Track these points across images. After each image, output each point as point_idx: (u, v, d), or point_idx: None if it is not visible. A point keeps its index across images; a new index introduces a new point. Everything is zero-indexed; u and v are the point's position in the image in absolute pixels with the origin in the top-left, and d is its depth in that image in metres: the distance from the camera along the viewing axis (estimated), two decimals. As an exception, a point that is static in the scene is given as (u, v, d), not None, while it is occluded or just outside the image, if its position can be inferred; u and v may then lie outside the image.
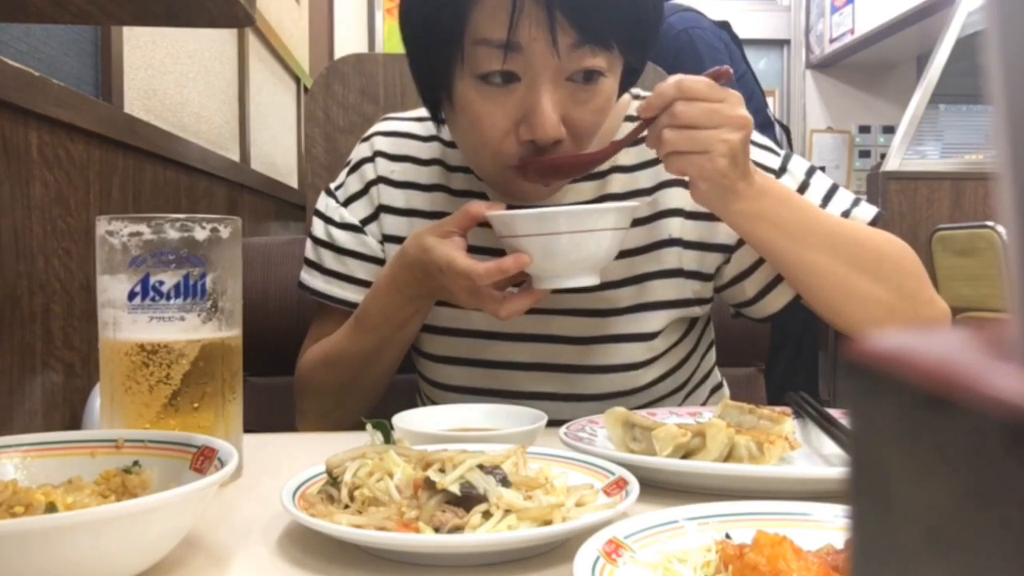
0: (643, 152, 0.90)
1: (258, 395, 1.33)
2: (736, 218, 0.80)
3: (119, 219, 0.61)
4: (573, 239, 0.75)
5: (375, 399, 0.95)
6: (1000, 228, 2.31)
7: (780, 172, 0.92)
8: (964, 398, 0.11)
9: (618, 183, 0.92)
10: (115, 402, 0.63)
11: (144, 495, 0.51)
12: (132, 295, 0.61)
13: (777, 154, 0.94)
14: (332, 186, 1.00)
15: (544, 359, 0.93)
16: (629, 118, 0.94)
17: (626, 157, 0.92)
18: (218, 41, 1.84)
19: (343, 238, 0.95)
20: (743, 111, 0.76)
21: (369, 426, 0.61)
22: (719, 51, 2.07)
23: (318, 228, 0.97)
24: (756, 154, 0.89)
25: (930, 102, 3.65)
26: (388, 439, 0.61)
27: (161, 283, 0.61)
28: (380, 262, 0.95)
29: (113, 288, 0.62)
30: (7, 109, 0.88)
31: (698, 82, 0.75)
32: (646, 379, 0.93)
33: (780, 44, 5.81)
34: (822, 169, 0.94)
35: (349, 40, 3.59)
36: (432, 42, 0.80)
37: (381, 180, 0.96)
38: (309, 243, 0.98)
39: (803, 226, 0.80)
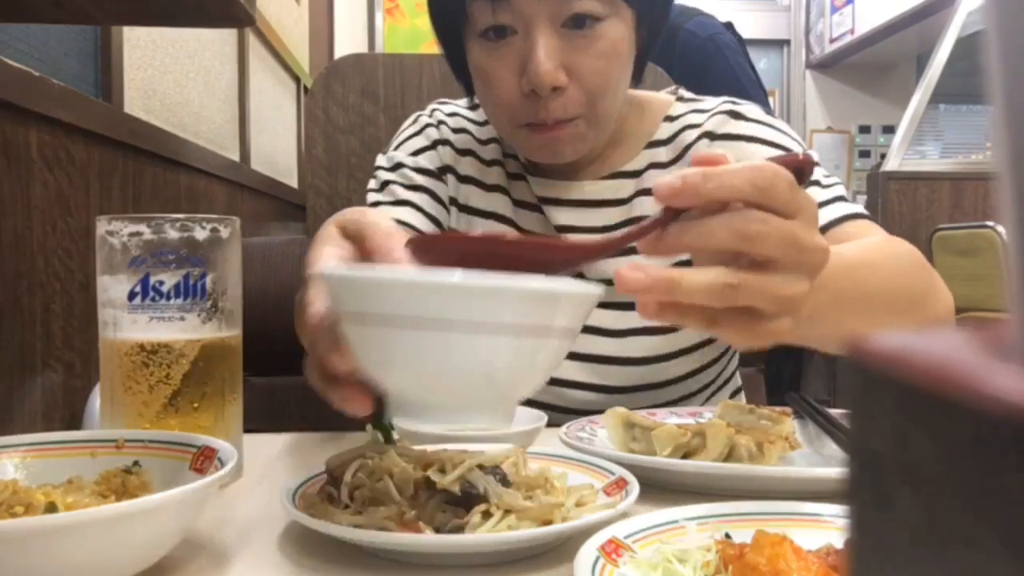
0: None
1: (258, 395, 1.33)
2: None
3: (119, 219, 0.61)
4: (443, 341, 0.40)
5: None
6: (1000, 228, 2.31)
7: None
8: (964, 398, 0.11)
9: (645, 205, 0.90)
10: (115, 402, 0.63)
11: (144, 495, 0.51)
12: (132, 295, 0.61)
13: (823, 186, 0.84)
14: (390, 150, 1.00)
15: (578, 349, 0.93)
16: (668, 119, 0.94)
17: (665, 154, 0.91)
18: (218, 41, 1.84)
19: (420, 179, 0.95)
20: (819, 237, 0.47)
21: (369, 426, 0.61)
22: (745, 61, 2.05)
23: (386, 174, 0.96)
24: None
25: (930, 102, 3.65)
26: (388, 439, 0.61)
27: (161, 283, 0.61)
28: (447, 211, 0.95)
29: (113, 288, 0.62)
30: (7, 109, 0.88)
31: (779, 178, 0.45)
32: (675, 373, 0.94)
33: (780, 44, 5.81)
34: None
35: (349, 40, 3.59)
36: (442, 7, 0.84)
37: (445, 143, 0.98)
38: (379, 184, 0.96)
39: (842, 308, 0.59)
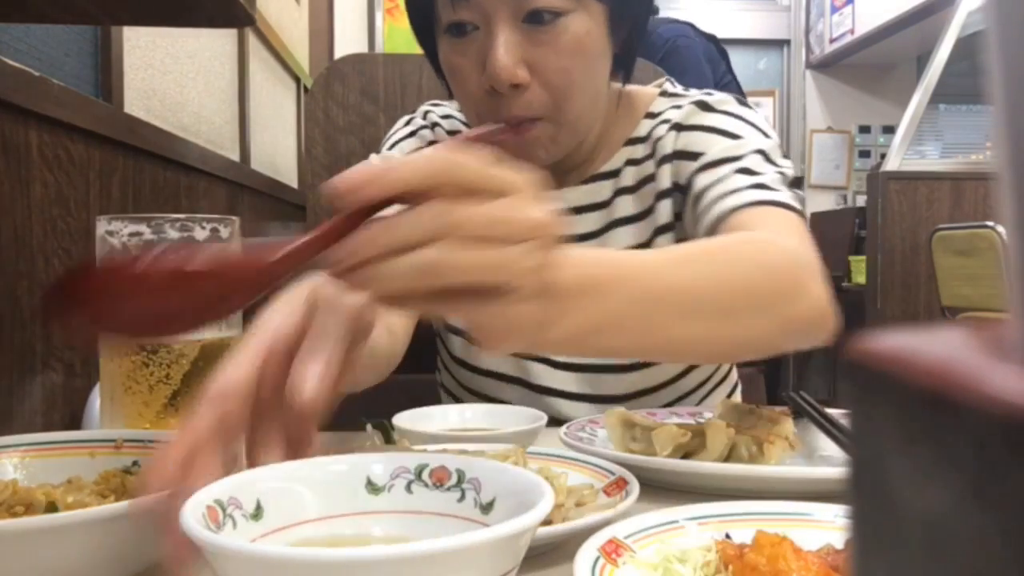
0: (642, 170, 0.89)
1: (258, 395, 1.33)
2: (556, 349, 0.60)
3: (119, 219, 0.61)
4: None
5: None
6: (1000, 228, 2.31)
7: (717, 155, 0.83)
8: (964, 398, 0.11)
9: (624, 205, 0.90)
10: (115, 402, 0.63)
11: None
12: (132, 295, 0.61)
13: (737, 136, 0.84)
14: (384, 149, 1.01)
15: (570, 359, 0.93)
16: (650, 115, 0.92)
17: (641, 151, 0.90)
18: (218, 41, 1.84)
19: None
20: (534, 210, 0.43)
21: (369, 426, 0.61)
22: (702, 62, 2.15)
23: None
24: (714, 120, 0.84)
25: (930, 102, 3.65)
26: (388, 439, 0.61)
27: (161, 283, 0.61)
28: None
29: (113, 288, 0.61)
30: (7, 109, 0.88)
31: (456, 163, 0.42)
32: (668, 375, 0.93)
33: (780, 44, 5.81)
34: (799, 180, 0.88)
35: (349, 40, 3.59)
36: (414, 4, 0.83)
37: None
38: None
39: (652, 311, 0.55)
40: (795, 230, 0.73)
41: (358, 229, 0.41)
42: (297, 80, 2.77)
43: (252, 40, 2.13)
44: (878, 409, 0.13)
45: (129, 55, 1.31)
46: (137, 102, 1.35)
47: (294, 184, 2.65)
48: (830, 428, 0.72)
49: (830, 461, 0.70)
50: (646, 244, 0.89)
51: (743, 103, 0.91)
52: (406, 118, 1.02)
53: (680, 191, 0.86)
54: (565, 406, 0.93)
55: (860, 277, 3.90)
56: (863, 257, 3.75)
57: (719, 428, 0.65)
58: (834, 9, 5.34)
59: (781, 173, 0.81)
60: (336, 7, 3.33)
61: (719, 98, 0.89)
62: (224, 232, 0.64)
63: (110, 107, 1.21)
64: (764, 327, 0.62)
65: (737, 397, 1.07)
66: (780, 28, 5.78)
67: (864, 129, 5.71)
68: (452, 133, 0.98)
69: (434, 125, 0.99)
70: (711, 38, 2.26)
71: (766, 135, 0.86)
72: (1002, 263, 2.58)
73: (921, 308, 3.28)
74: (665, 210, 0.88)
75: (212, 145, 1.74)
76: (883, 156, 3.78)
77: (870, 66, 5.49)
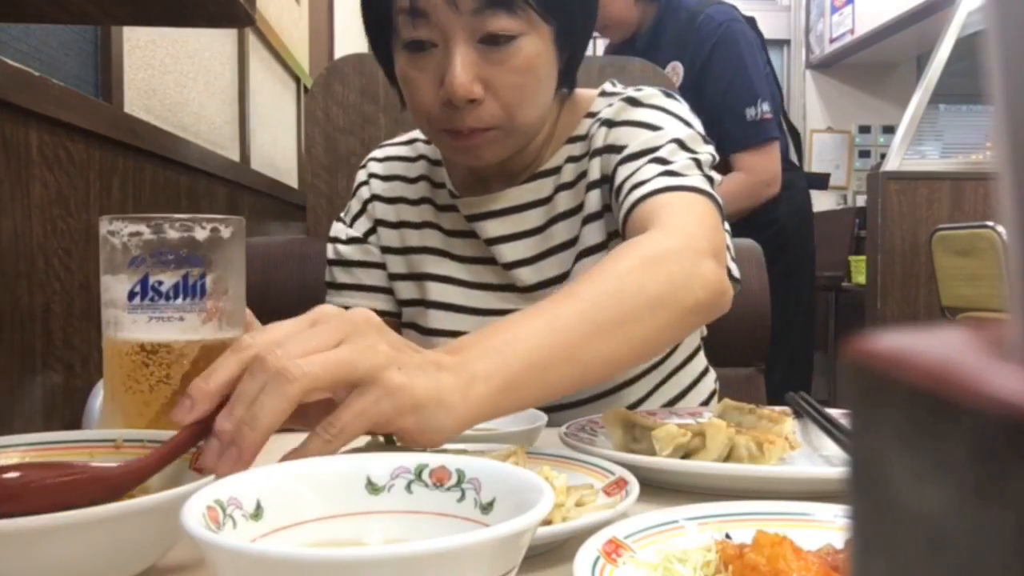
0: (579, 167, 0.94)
1: (258, 395, 1.33)
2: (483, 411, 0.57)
3: (120, 219, 0.61)
4: None
5: None
6: (1000, 228, 2.31)
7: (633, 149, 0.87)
8: (964, 398, 0.11)
9: (564, 200, 0.95)
10: (116, 401, 0.63)
11: (144, 495, 0.51)
12: (132, 295, 0.61)
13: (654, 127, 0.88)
14: (341, 214, 1.09)
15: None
16: (589, 115, 0.96)
17: (579, 148, 0.95)
18: (218, 41, 1.84)
19: (348, 251, 1.03)
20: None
21: (369, 426, 0.61)
22: (756, 48, 2.11)
23: (329, 251, 1.05)
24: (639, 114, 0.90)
25: (930, 102, 3.64)
26: (388, 439, 0.61)
27: (160, 283, 0.61)
28: (383, 267, 1.03)
29: (114, 288, 0.62)
30: (7, 109, 0.88)
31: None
32: (626, 376, 0.94)
33: (780, 44, 5.81)
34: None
35: (349, 40, 3.59)
36: (372, 16, 0.87)
37: (375, 198, 1.04)
38: (327, 269, 1.05)
39: (550, 353, 0.58)
40: (695, 212, 0.78)
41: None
42: (297, 80, 2.77)
43: (252, 40, 2.13)
44: (878, 409, 0.13)
45: (129, 55, 1.31)
46: (137, 102, 1.35)
47: (294, 184, 2.65)
48: (830, 428, 0.72)
49: (830, 461, 0.70)
50: (576, 236, 0.93)
51: (670, 95, 0.95)
52: (357, 181, 1.08)
53: (607, 183, 0.91)
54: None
55: (860, 277, 3.91)
56: (863, 257, 3.75)
57: (719, 428, 0.65)
58: (834, 9, 5.34)
59: (695, 159, 0.85)
60: (336, 7, 3.34)
61: (647, 92, 0.94)
62: (225, 232, 0.63)
63: (110, 107, 1.21)
64: (666, 318, 0.66)
65: (714, 403, 1.06)
66: (780, 28, 5.78)
67: (864, 129, 5.71)
68: (387, 179, 1.05)
69: (371, 176, 1.06)
70: (750, 20, 2.21)
71: (688, 124, 0.90)
72: (1002, 263, 2.58)
73: (921, 308, 3.28)
74: (594, 200, 0.92)
75: (212, 145, 1.74)
76: (883, 156, 3.78)
77: (870, 66, 5.49)
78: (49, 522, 0.40)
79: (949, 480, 0.11)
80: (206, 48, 1.75)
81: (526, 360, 0.56)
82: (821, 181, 3.01)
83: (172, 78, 1.53)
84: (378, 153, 1.08)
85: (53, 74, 1.02)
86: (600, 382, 0.80)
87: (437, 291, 0.98)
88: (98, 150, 1.10)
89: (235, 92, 1.99)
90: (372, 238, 1.03)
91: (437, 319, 0.98)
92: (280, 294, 1.29)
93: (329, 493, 0.43)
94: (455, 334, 0.96)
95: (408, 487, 0.44)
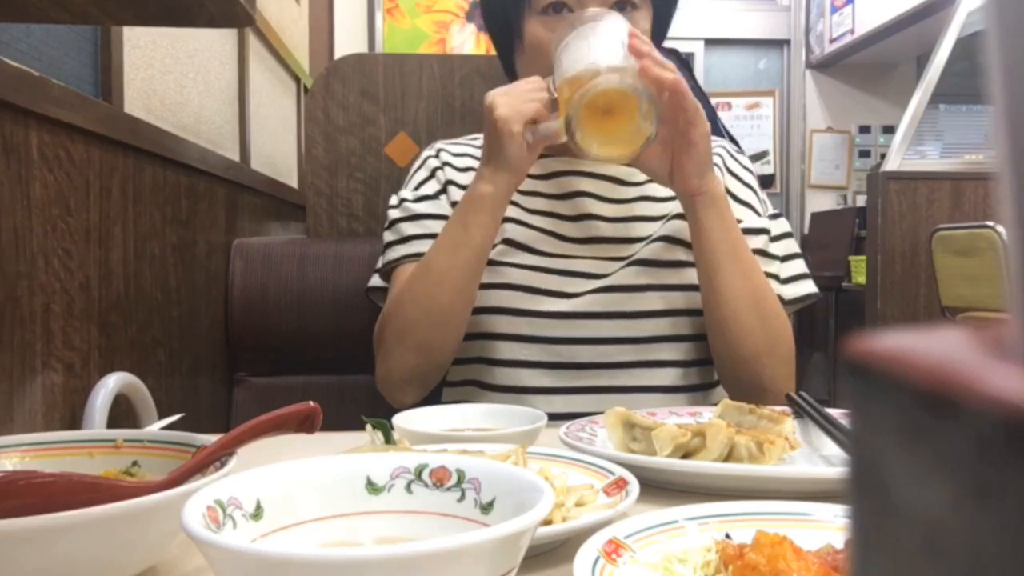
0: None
1: (258, 395, 1.33)
2: (700, 200, 0.92)
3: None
4: None
5: (453, 338, 0.98)
6: (1000, 228, 2.31)
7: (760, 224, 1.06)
8: (964, 398, 0.11)
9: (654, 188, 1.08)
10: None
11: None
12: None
13: (758, 213, 1.08)
14: (400, 191, 1.12)
15: (543, 358, 0.99)
16: None
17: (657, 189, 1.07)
18: (218, 41, 1.84)
19: (417, 207, 1.07)
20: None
21: (369, 426, 0.61)
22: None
23: (393, 213, 1.08)
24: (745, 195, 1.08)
25: (930, 102, 3.64)
26: (388, 439, 0.61)
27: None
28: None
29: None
30: (7, 109, 0.88)
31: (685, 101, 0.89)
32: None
33: (780, 44, 5.80)
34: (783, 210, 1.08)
35: (349, 40, 3.59)
36: None
37: (446, 165, 1.10)
38: (386, 235, 1.08)
39: (735, 243, 0.94)
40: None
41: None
42: (297, 80, 2.77)
43: (252, 40, 2.13)
44: (878, 409, 0.13)
45: (129, 55, 1.31)
46: (137, 102, 1.35)
47: (294, 184, 2.65)
48: (830, 428, 0.72)
49: (830, 461, 0.70)
50: (659, 218, 1.06)
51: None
52: (422, 157, 1.13)
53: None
54: (537, 401, 0.98)
55: (860, 277, 3.90)
56: (863, 257, 3.74)
57: (719, 428, 0.65)
58: (834, 9, 5.34)
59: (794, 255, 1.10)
60: (336, 7, 3.33)
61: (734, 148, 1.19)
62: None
63: (110, 107, 1.21)
64: (759, 339, 0.95)
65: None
66: (780, 28, 5.78)
67: (864, 129, 5.71)
68: (458, 155, 1.11)
69: (439, 151, 1.11)
70: (672, 51, 2.26)
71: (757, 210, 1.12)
72: (1002, 263, 2.58)
73: (921, 308, 3.28)
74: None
75: (212, 145, 1.74)
76: (883, 156, 3.78)
77: (870, 66, 5.49)
78: (49, 522, 0.40)
79: (949, 480, 0.11)
80: (206, 48, 1.75)
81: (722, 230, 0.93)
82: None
83: (172, 78, 1.53)
84: (450, 147, 1.14)
85: (53, 74, 1.02)
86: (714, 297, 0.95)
87: (508, 231, 1.02)
88: (98, 150, 1.10)
89: (235, 92, 1.99)
90: (442, 196, 1.08)
91: (506, 254, 1.03)
92: (280, 294, 1.29)
93: (329, 493, 0.43)
94: (524, 268, 1.02)
95: (408, 487, 0.44)
